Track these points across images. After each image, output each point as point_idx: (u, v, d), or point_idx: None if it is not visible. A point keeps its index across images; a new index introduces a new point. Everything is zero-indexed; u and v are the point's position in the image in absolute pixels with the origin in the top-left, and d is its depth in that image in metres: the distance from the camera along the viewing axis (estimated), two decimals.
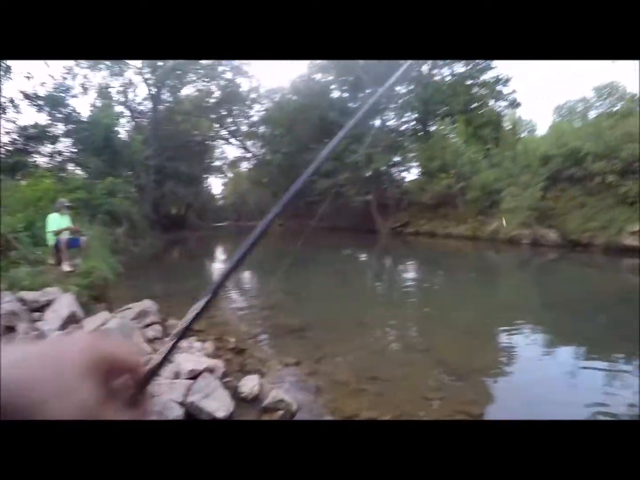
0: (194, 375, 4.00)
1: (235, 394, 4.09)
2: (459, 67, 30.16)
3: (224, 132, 41.70)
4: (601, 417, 3.35)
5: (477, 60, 29.41)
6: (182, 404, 3.61)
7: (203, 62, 32.27)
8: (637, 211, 16.57)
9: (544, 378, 4.37)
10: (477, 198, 22.45)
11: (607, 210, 17.74)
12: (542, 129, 36.81)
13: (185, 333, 0.53)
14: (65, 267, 7.03)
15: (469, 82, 29.94)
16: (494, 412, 3.59)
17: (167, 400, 3.51)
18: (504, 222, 19.82)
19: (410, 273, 13.20)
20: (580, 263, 14.99)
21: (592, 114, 27.27)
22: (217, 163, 49.11)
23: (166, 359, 0.52)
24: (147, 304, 5.79)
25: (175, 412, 3.46)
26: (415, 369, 4.52)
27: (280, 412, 3.78)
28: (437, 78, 30.87)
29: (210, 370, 4.14)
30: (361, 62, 31.03)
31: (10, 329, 4.95)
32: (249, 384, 4.16)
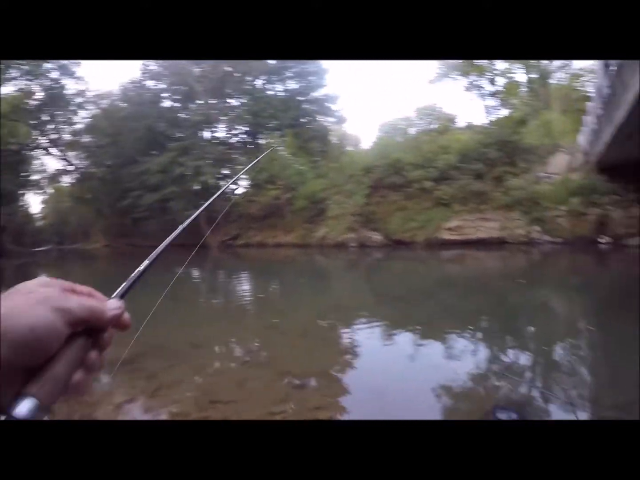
0: None
1: None
2: (292, 83, 31.55)
3: (44, 141, 35.71)
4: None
5: (309, 78, 31.14)
6: None
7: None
8: (451, 210, 19.53)
9: (387, 364, 4.70)
10: (304, 207, 23.63)
11: (424, 212, 20.50)
12: (366, 144, 40.19)
13: None
14: None
15: (300, 98, 31.42)
16: (347, 411, 3.58)
17: None
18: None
19: (242, 285, 13.06)
20: (404, 259, 16.79)
21: (412, 131, 30.49)
22: (35, 177, 40.90)
23: None
24: None
25: None
26: (258, 384, 4.28)
27: None
28: (269, 92, 31.73)
29: None
30: (195, 71, 30.15)
31: None
32: None
